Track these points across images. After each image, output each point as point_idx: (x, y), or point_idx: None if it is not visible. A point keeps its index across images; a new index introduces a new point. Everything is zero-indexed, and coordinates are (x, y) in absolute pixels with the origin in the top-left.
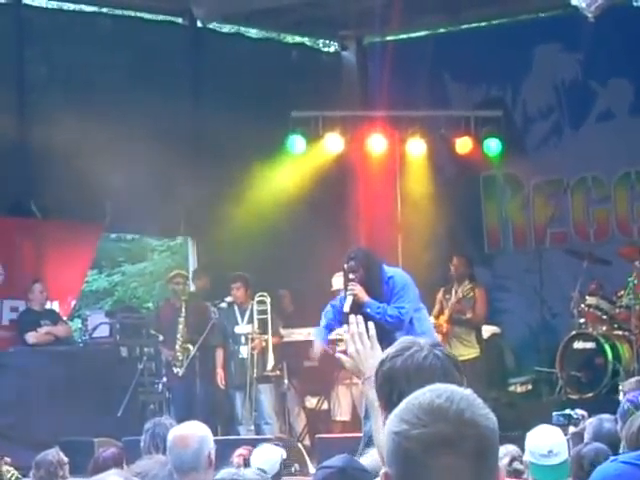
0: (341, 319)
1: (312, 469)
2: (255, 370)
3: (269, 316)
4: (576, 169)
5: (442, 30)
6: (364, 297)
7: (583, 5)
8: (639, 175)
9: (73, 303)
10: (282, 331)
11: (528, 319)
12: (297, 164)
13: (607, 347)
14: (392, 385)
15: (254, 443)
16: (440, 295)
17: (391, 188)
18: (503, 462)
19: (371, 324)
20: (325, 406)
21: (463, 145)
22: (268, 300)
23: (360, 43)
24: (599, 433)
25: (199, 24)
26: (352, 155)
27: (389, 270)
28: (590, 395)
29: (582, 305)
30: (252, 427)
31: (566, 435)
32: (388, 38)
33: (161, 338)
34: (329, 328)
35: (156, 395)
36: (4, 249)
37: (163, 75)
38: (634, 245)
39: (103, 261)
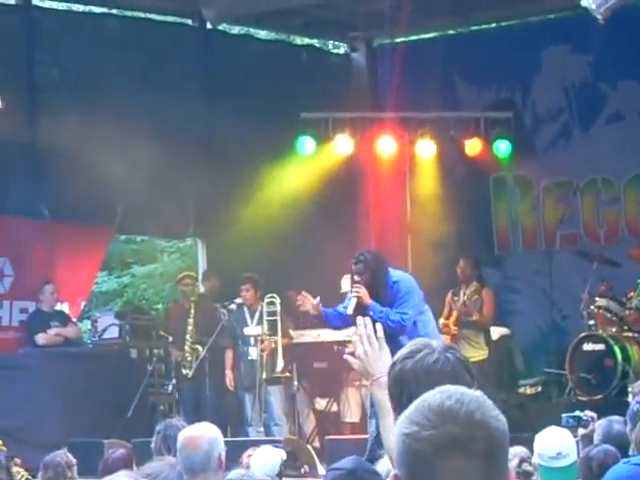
0: (342, 321)
1: (321, 470)
2: (264, 372)
3: (279, 317)
4: (586, 171)
5: (452, 32)
6: (368, 300)
7: (593, 6)
8: None
9: (83, 304)
10: (292, 332)
11: (538, 321)
12: (307, 165)
13: (617, 349)
14: (402, 387)
15: (273, 444)
16: (449, 297)
17: (401, 189)
18: (512, 464)
19: (379, 325)
20: (334, 408)
21: (473, 146)
22: (278, 301)
23: (370, 45)
24: (609, 435)
25: (209, 26)
26: (362, 156)
27: (395, 274)
28: (600, 397)
29: (592, 307)
30: (261, 428)
31: (575, 437)
32: (398, 40)
33: (171, 339)
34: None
35: (166, 396)
36: (15, 251)
37: (172, 76)
38: None
39: (113, 262)
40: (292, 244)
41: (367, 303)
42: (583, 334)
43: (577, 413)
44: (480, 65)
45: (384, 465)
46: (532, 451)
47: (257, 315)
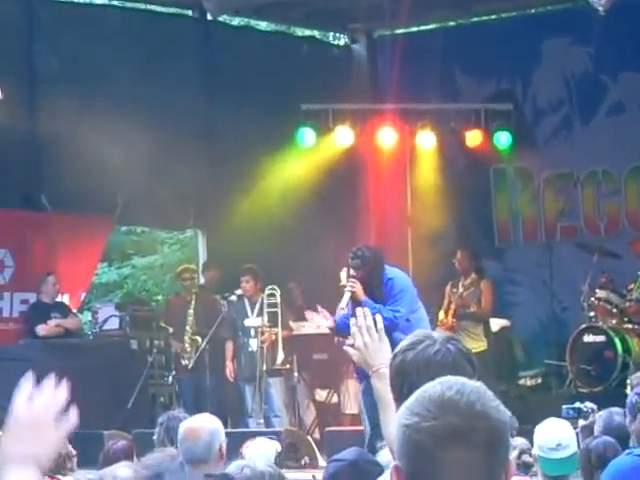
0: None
1: (322, 462)
2: (265, 363)
3: (279, 309)
4: (586, 163)
5: (452, 23)
6: (361, 296)
7: None
8: None
9: (83, 296)
10: (292, 324)
11: (538, 312)
12: (307, 157)
13: (617, 340)
14: (403, 378)
15: (268, 436)
16: (448, 289)
17: (401, 181)
18: (512, 455)
19: (379, 317)
20: (335, 399)
21: (473, 138)
22: (278, 293)
23: (370, 36)
24: (609, 426)
25: (209, 17)
26: (362, 148)
27: (390, 271)
28: (600, 388)
29: (592, 298)
30: (261, 420)
31: (576, 428)
32: (398, 31)
33: (171, 331)
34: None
35: (166, 387)
36: (15, 242)
37: (173, 68)
38: None
39: (113, 254)
40: (292, 236)
41: (361, 299)
42: (583, 326)
43: (577, 405)
44: (480, 57)
45: (384, 457)
46: (532, 442)
47: (257, 306)
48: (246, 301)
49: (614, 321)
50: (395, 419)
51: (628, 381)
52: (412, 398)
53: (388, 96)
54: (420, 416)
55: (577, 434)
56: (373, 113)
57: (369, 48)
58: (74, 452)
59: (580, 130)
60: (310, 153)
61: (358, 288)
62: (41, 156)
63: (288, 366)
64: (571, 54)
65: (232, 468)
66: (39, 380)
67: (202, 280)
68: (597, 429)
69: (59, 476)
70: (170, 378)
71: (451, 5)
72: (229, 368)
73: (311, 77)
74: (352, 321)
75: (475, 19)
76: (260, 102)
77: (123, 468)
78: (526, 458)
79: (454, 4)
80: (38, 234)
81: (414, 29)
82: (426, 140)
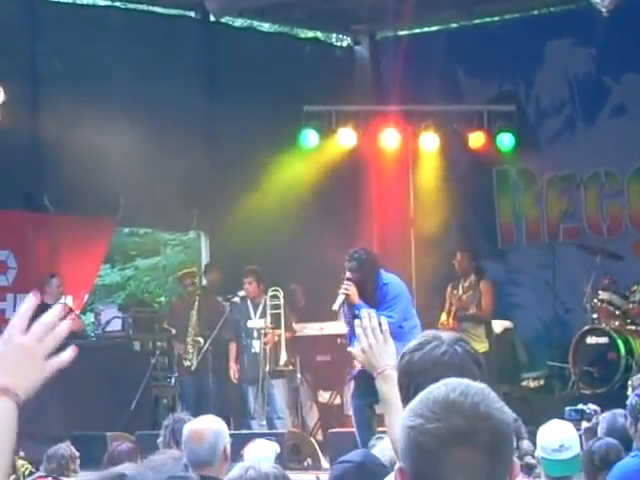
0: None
1: (325, 463)
2: (268, 365)
3: (282, 311)
4: (589, 164)
5: (455, 25)
6: (355, 299)
7: (597, 0)
8: None
9: (86, 297)
10: (295, 326)
11: (541, 314)
12: (310, 159)
13: (620, 342)
14: (410, 378)
15: (267, 437)
16: (448, 291)
17: (404, 182)
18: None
19: (384, 319)
20: (338, 401)
21: (476, 140)
22: (281, 295)
23: (373, 38)
24: (613, 428)
25: (212, 18)
26: (365, 150)
27: (386, 277)
28: (603, 390)
29: (595, 300)
30: (264, 422)
31: (578, 430)
32: (401, 33)
33: (174, 332)
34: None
35: (169, 389)
36: (18, 243)
37: (175, 69)
38: None
39: (116, 255)
40: (295, 237)
41: (355, 302)
42: (586, 327)
43: (580, 406)
44: (483, 58)
45: (377, 453)
46: (535, 444)
47: (260, 308)
48: (249, 303)
49: (617, 323)
50: (399, 421)
51: (629, 382)
52: (416, 400)
53: (391, 97)
54: (424, 418)
55: (580, 436)
56: (376, 114)
57: (372, 49)
58: (77, 454)
59: (583, 131)
60: (313, 155)
61: (352, 291)
62: (44, 157)
63: (291, 367)
64: (574, 55)
65: (236, 470)
66: (42, 381)
67: (204, 282)
68: (600, 431)
69: (62, 478)
70: (173, 380)
71: (454, 6)
72: (233, 370)
73: (314, 78)
74: (357, 322)
75: (478, 21)
76: (263, 103)
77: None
78: (529, 460)
79: (457, 5)
80: (41, 236)
81: (417, 30)
82: (429, 141)
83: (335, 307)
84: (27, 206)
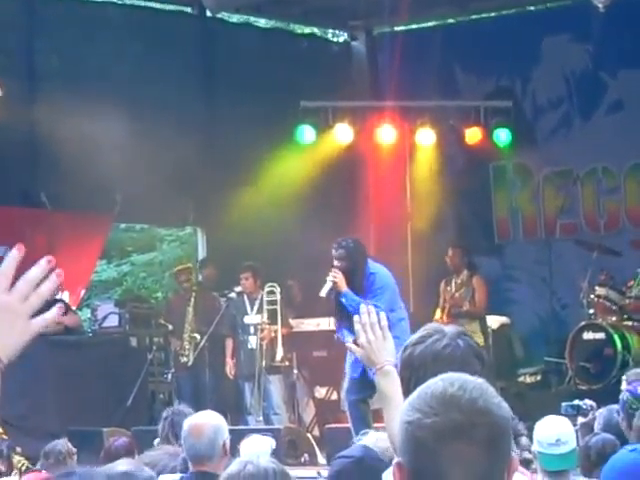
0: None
1: (321, 459)
2: (264, 360)
3: (279, 306)
4: (586, 160)
5: (451, 21)
6: (343, 287)
7: None
8: None
9: (82, 293)
10: (291, 321)
11: (537, 309)
12: (307, 154)
13: (616, 338)
14: (410, 372)
15: (263, 433)
16: (442, 287)
17: (401, 178)
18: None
19: (383, 314)
20: (334, 396)
21: (473, 135)
22: (278, 290)
23: (370, 33)
24: (609, 423)
25: (208, 14)
26: (362, 145)
27: (373, 266)
28: (599, 386)
29: (592, 296)
30: (261, 417)
31: (575, 426)
32: (398, 28)
33: (170, 328)
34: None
35: (165, 385)
36: (14, 239)
37: (173, 65)
38: None
39: (112, 251)
40: (292, 233)
41: (342, 290)
42: (583, 323)
43: (576, 402)
44: (480, 54)
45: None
46: (532, 439)
47: (257, 304)
48: (246, 298)
49: (614, 318)
50: (398, 416)
51: (624, 377)
52: (414, 394)
53: (387, 93)
54: (422, 412)
55: (576, 431)
56: (373, 110)
57: (369, 45)
58: (74, 449)
59: (580, 127)
60: (310, 150)
61: (340, 279)
62: (41, 153)
63: (287, 363)
64: (570, 51)
65: (235, 465)
66: (37, 376)
67: (199, 277)
68: (597, 426)
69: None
70: (169, 375)
71: (450, 2)
72: (229, 365)
73: (310, 74)
74: (356, 318)
75: (474, 16)
76: (259, 99)
77: (125, 465)
78: (526, 455)
79: (453, 1)
80: (37, 232)
81: (414, 26)
82: (425, 137)
83: (322, 294)
84: (24, 202)
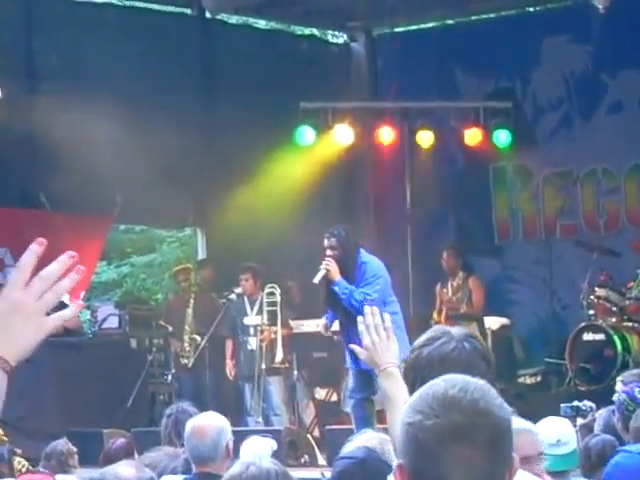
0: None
1: (321, 460)
2: (264, 362)
3: (279, 308)
4: (586, 161)
5: (451, 22)
6: (336, 275)
7: None
8: None
9: (82, 294)
10: (291, 323)
11: (538, 310)
12: (306, 155)
13: (617, 339)
14: (416, 374)
15: (264, 434)
16: (438, 289)
17: (400, 179)
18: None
19: (387, 315)
20: (334, 397)
21: (472, 136)
22: (278, 292)
23: (369, 34)
24: (609, 424)
25: (208, 15)
26: (361, 146)
27: (365, 256)
28: (599, 387)
29: (592, 297)
30: (260, 418)
31: (574, 427)
32: (397, 29)
33: (170, 329)
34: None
35: (165, 386)
36: (13, 240)
37: (171, 66)
38: None
39: (112, 252)
40: (292, 234)
41: (335, 278)
42: (583, 324)
43: (576, 403)
44: (480, 55)
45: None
46: None
47: (257, 305)
48: (246, 299)
49: (614, 319)
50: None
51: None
52: (415, 396)
53: (387, 94)
54: (423, 414)
55: (576, 432)
56: (372, 111)
57: (368, 46)
58: (75, 449)
59: (580, 128)
60: (309, 151)
61: (333, 267)
62: (40, 154)
63: (287, 365)
64: (570, 52)
65: (237, 466)
66: (37, 378)
67: (197, 279)
68: (597, 427)
69: (61, 474)
70: (169, 377)
71: (450, 3)
72: (229, 366)
73: (310, 75)
74: (360, 319)
75: (474, 17)
76: (259, 100)
77: (124, 466)
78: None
79: (453, 2)
80: (37, 233)
81: (413, 27)
82: (425, 138)
83: (315, 281)
84: (23, 203)
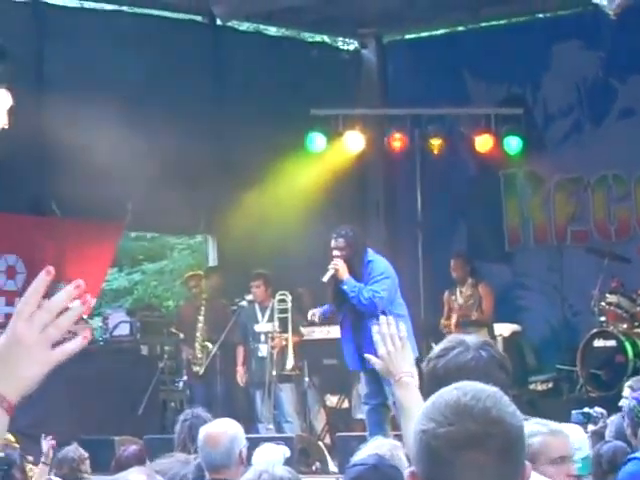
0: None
1: (333, 467)
2: (275, 369)
3: (289, 315)
4: (597, 167)
5: (462, 28)
6: (344, 274)
7: (604, 3)
8: None
9: (93, 302)
10: (302, 330)
11: (549, 317)
12: (317, 162)
13: (628, 345)
14: (433, 384)
15: (277, 441)
16: (446, 296)
17: (411, 186)
18: None
19: (402, 325)
20: (345, 404)
21: (483, 143)
22: (289, 299)
23: (380, 41)
24: (620, 431)
25: (219, 22)
26: (372, 153)
27: (371, 255)
28: (610, 393)
29: (603, 303)
30: (271, 425)
31: (586, 433)
32: (408, 36)
33: (182, 336)
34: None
35: (177, 393)
36: (25, 248)
37: (183, 73)
38: None
39: (123, 259)
40: (303, 241)
41: (343, 277)
42: (594, 330)
43: (586, 410)
44: (490, 61)
45: (364, 452)
46: None
47: (268, 312)
48: (257, 306)
49: (625, 326)
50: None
51: (627, 384)
52: (428, 403)
53: (398, 101)
54: (436, 422)
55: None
56: (383, 118)
57: (379, 53)
58: (86, 454)
59: (590, 134)
60: (320, 158)
61: (342, 267)
62: (51, 162)
63: (298, 372)
64: (581, 58)
65: (250, 474)
66: (48, 385)
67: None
68: (609, 434)
69: None
70: (181, 384)
71: (461, 9)
72: (240, 373)
73: (321, 82)
74: (375, 329)
75: (485, 24)
76: (270, 107)
77: (135, 473)
78: None
79: (464, 8)
80: (48, 240)
81: (423, 34)
82: (436, 145)
83: (324, 279)
84: (34, 210)
